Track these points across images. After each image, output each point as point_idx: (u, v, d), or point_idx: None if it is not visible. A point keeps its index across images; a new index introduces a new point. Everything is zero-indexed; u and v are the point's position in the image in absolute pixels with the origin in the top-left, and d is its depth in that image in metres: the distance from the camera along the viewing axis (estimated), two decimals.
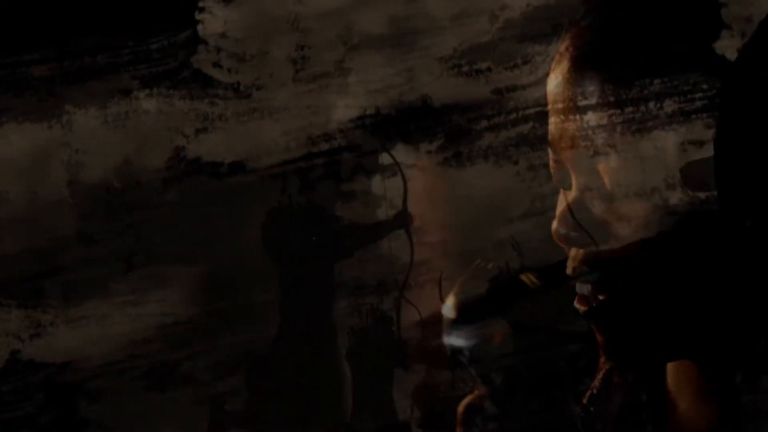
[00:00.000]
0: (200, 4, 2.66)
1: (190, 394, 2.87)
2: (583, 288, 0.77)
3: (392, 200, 2.95)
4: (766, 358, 0.74)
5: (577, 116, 0.76)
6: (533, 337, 1.74)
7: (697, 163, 0.73)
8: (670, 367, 0.82)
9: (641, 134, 0.75)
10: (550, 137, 0.80)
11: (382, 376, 2.95)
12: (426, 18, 2.56)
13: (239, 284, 3.04)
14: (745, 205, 0.74)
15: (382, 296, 2.90)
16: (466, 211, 2.71)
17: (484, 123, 2.53)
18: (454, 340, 1.78)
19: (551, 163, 0.82)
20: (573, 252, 0.79)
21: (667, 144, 0.75)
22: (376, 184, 2.92)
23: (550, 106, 0.79)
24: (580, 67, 0.76)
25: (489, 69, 2.45)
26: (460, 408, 1.82)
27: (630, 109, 0.75)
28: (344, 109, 2.78)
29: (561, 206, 0.80)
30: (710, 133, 0.75)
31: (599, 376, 0.85)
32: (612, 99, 0.74)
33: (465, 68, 2.51)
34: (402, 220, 2.76)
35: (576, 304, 0.77)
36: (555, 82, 0.79)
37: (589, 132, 0.76)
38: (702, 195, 0.74)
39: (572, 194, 0.77)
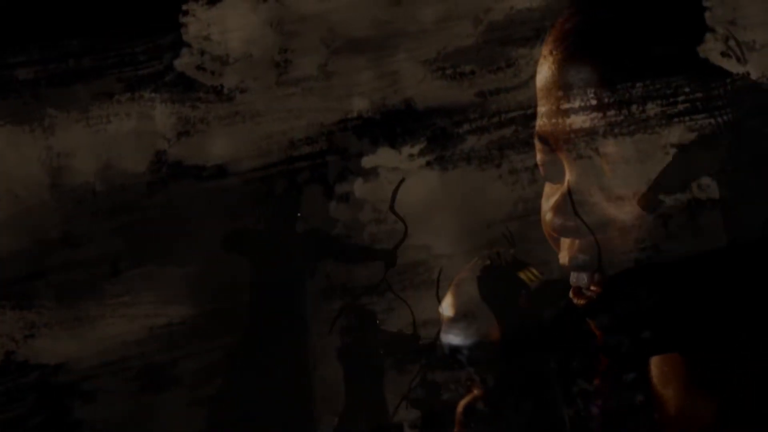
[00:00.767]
0: (184, 8, 2.66)
1: (184, 395, 2.87)
2: (579, 279, 0.78)
3: (374, 204, 2.95)
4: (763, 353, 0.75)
5: (572, 108, 0.76)
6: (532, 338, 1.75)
7: (668, 169, 0.74)
8: (655, 363, 0.82)
9: (640, 133, 0.76)
10: (540, 131, 0.80)
11: (375, 376, 2.96)
12: (410, 21, 2.57)
13: (228, 286, 3.05)
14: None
15: (373, 297, 2.91)
16: (450, 213, 2.72)
17: (467, 126, 2.54)
18: (452, 339, 1.77)
19: (540, 157, 0.82)
20: (567, 243, 0.79)
21: (664, 140, 0.76)
22: (358, 187, 2.93)
23: (543, 100, 0.80)
24: (572, 62, 0.77)
25: (473, 72, 2.46)
26: (459, 408, 1.82)
27: (617, 110, 0.76)
28: (326, 112, 2.78)
29: (549, 200, 0.81)
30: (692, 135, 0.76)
31: (598, 376, 0.86)
32: (607, 100, 0.75)
33: (449, 71, 2.52)
34: (391, 260, 2.86)
35: (572, 297, 0.78)
36: (546, 75, 0.79)
37: (587, 122, 0.76)
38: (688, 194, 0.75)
39: (567, 185, 0.78)
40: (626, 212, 0.76)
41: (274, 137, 2.82)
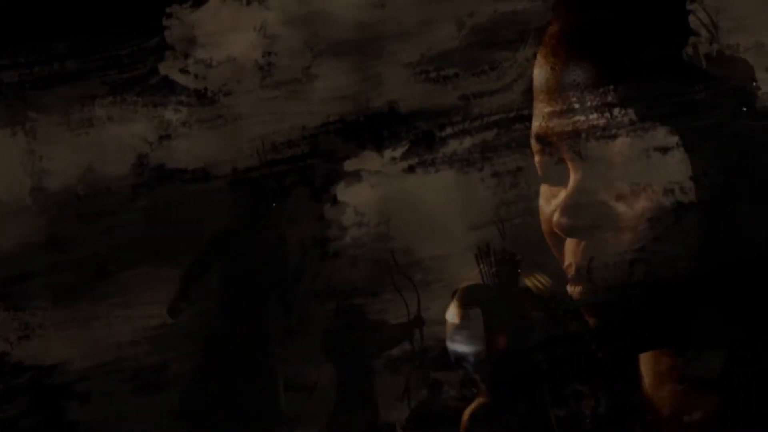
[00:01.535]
0: (168, 10, 2.66)
1: (179, 396, 2.86)
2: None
3: (356, 207, 2.96)
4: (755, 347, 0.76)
5: (577, 108, 0.76)
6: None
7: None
8: (648, 365, 0.82)
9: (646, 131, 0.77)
10: (541, 132, 0.80)
11: (366, 377, 2.96)
12: (393, 24, 2.57)
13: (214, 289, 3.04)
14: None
15: (368, 297, 2.92)
16: (432, 217, 2.72)
17: (450, 129, 2.54)
18: (458, 346, 1.77)
19: (538, 158, 0.82)
20: (572, 246, 0.79)
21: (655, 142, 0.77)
22: (341, 190, 2.93)
23: (543, 101, 0.79)
24: (573, 63, 0.77)
25: (456, 75, 2.46)
26: (465, 416, 1.81)
27: (622, 109, 0.76)
28: (309, 115, 2.78)
29: (551, 201, 0.81)
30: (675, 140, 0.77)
31: (595, 376, 0.86)
32: (611, 99, 0.75)
33: (432, 74, 2.52)
34: (416, 323, 2.90)
35: (569, 288, 0.78)
36: (547, 76, 0.79)
37: (593, 122, 0.76)
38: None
39: (573, 184, 0.78)
40: (626, 212, 0.77)
41: (257, 140, 2.82)
